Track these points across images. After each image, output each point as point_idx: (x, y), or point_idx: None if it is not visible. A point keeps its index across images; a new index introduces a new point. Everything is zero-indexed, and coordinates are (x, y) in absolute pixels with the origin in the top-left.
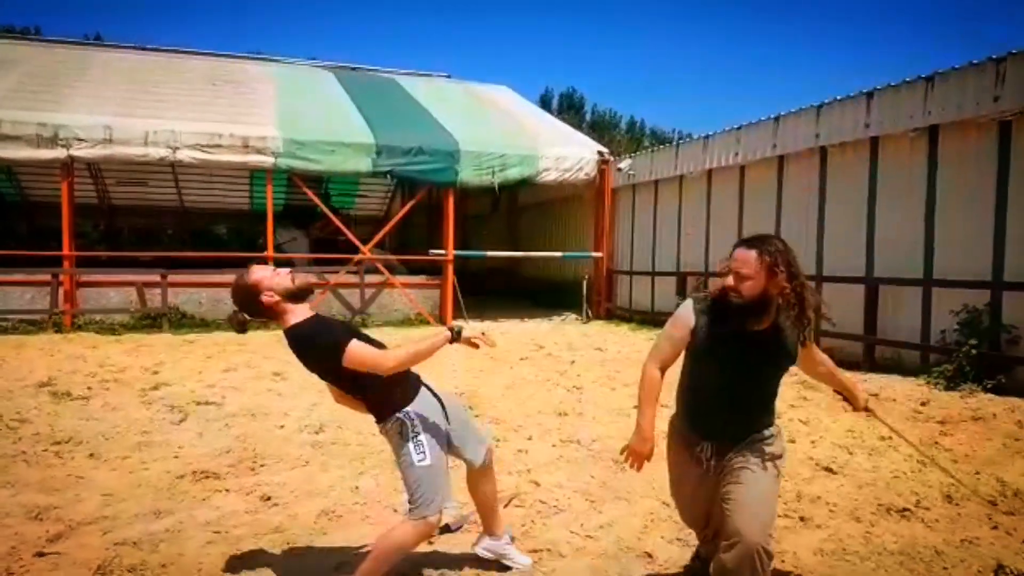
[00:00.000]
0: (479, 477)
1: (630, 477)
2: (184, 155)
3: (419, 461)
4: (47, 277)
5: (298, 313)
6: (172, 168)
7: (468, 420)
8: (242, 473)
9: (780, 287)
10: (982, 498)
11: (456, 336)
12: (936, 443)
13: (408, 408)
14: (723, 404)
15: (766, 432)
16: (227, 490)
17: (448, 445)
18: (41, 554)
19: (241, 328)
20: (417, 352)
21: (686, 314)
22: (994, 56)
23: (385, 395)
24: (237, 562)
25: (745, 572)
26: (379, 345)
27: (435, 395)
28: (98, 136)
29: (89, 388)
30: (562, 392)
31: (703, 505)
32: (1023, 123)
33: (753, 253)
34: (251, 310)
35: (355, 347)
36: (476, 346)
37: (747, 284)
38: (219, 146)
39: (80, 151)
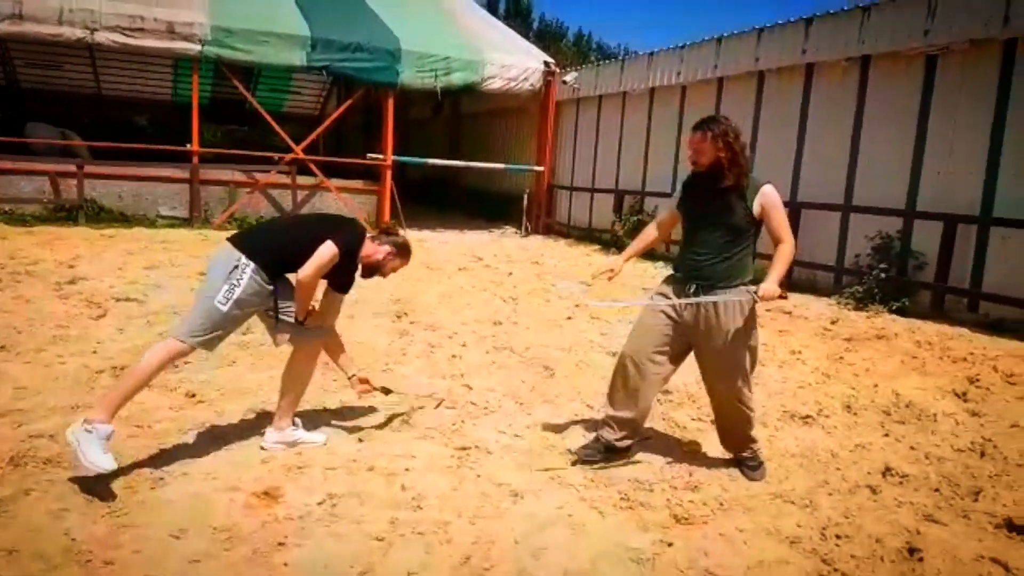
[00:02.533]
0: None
1: (558, 383)
2: (103, 37)
3: (219, 303)
4: None
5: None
6: (89, 51)
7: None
8: (165, 370)
9: (721, 154)
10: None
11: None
12: (841, 358)
13: (252, 263)
14: (695, 248)
15: (735, 284)
16: (150, 386)
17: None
18: None
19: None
20: (306, 303)
21: (678, 187)
22: None
23: (267, 245)
24: (162, 454)
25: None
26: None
27: (279, 286)
28: (6, 10)
29: None
30: (498, 302)
31: (659, 335)
32: (949, 58)
33: (699, 133)
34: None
35: (330, 249)
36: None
37: (702, 157)
38: (142, 29)
39: None
